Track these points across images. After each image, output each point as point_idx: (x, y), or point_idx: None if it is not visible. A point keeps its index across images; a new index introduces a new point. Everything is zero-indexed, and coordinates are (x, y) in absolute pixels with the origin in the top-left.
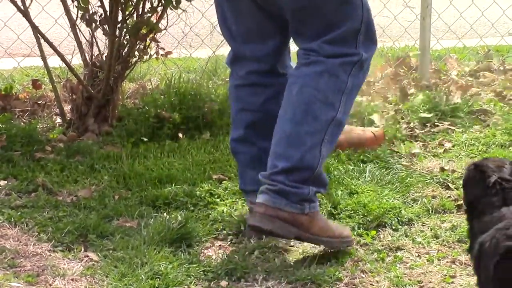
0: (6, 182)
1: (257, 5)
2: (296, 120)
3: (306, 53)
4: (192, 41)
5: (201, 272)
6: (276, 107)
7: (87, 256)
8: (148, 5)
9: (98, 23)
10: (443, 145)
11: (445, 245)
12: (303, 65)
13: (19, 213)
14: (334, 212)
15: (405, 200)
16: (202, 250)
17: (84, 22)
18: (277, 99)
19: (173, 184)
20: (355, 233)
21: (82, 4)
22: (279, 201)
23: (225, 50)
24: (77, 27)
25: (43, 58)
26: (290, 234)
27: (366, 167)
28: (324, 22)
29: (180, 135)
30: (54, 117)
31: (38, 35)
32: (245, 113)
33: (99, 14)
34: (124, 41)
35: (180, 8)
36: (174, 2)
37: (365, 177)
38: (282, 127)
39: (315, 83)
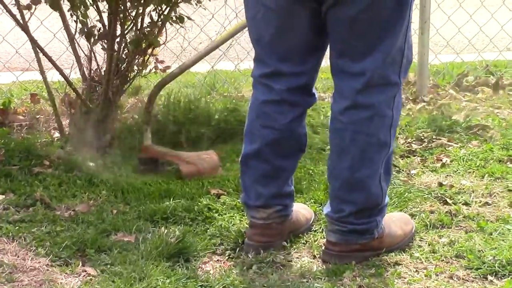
0: (4, 196)
1: (312, 21)
2: (355, 168)
3: (351, 84)
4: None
5: (199, 287)
6: (299, 128)
7: (85, 271)
8: (147, 20)
9: (96, 37)
10: (441, 160)
11: (443, 260)
12: (350, 108)
13: (17, 227)
14: None
15: None
16: (200, 265)
17: (82, 36)
18: (301, 119)
19: (171, 199)
20: None
21: (81, 18)
22: (351, 238)
23: (224, 64)
24: (75, 42)
25: (42, 72)
26: (365, 259)
27: None
28: (376, 36)
29: (178, 149)
30: (53, 131)
31: (37, 49)
32: (267, 130)
33: (97, 28)
34: (123, 56)
35: (179, 24)
36: (174, 18)
37: None
38: (341, 174)
39: (366, 128)
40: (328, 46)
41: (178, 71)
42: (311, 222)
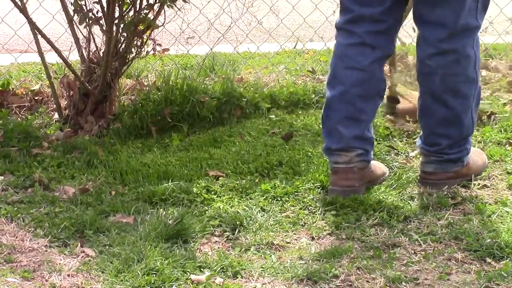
0: (2, 177)
1: None
2: (449, 106)
3: (435, 34)
4: (190, 37)
5: (197, 268)
6: (378, 72)
7: (83, 252)
8: (145, 2)
9: (92, 20)
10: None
11: (441, 242)
12: (436, 54)
13: (16, 208)
14: (331, 208)
15: (401, 198)
16: (198, 247)
17: (78, 18)
18: (381, 63)
19: (170, 181)
20: (351, 229)
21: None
22: (446, 167)
23: (222, 47)
24: (74, 23)
25: (40, 54)
26: (455, 184)
27: None
28: None
29: (177, 131)
30: (51, 113)
31: (36, 31)
32: (351, 71)
33: (95, 11)
34: (121, 38)
35: (176, 6)
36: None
37: None
38: (436, 112)
39: (454, 70)
40: None
41: None
42: (385, 176)
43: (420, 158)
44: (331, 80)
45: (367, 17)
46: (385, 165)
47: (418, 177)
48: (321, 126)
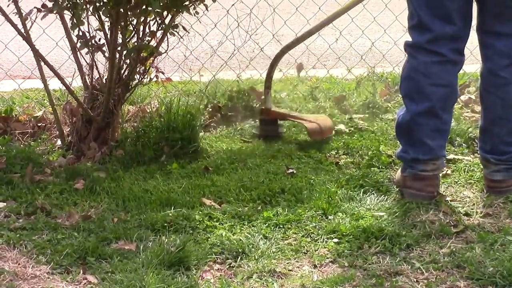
0: (5, 204)
1: None
2: None
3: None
4: (192, 65)
5: None
6: (457, 84)
7: (86, 279)
8: (147, 29)
9: (94, 47)
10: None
11: (444, 270)
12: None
13: (18, 235)
14: (333, 236)
15: (404, 225)
16: (201, 274)
17: (80, 45)
18: (457, 75)
19: (172, 207)
20: (354, 257)
21: (77, 24)
22: None
23: (224, 74)
24: (77, 50)
25: (44, 80)
26: None
27: (365, 192)
28: None
29: (179, 158)
30: (54, 139)
31: (39, 58)
32: (437, 88)
33: (98, 38)
34: (124, 65)
35: (178, 34)
36: (171, 29)
37: (364, 202)
38: (508, 122)
39: None
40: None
41: (306, 35)
42: None
43: (485, 168)
44: (415, 95)
45: (449, 36)
46: (388, 192)
47: (485, 187)
48: (397, 135)
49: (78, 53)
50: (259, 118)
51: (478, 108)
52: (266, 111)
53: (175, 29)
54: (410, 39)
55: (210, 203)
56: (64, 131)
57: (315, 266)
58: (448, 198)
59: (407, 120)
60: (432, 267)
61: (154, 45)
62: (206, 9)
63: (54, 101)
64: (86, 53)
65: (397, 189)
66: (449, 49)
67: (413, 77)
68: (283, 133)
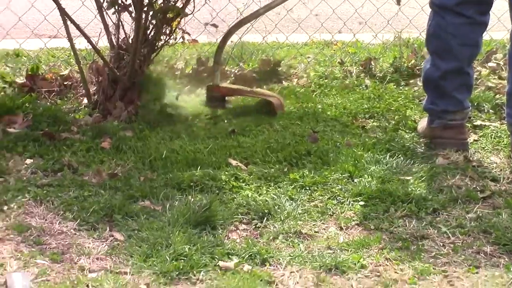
0: (32, 160)
1: None
2: None
3: None
4: (219, 27)
5: (225, 255)
6: (481, 41)
7: (112, 236)
8: None
9: (121, 7)
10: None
11: (470, 235)
12: None
13: (45, 191)
14: (359, 199)
15: (430, 190)
16: (227, 234)
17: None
18: (482, 35)
19: (199, 168)
20: (380, 220)
21: None
22: None
23: (250, 36)
24: (104, 10)
25: (70, 39)
26: None
27: (392, 156)
28: None
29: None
30: (80, 98)
31: (65, 16)
32: (466, 47)
33: None
34: (150, 25)
35: None
36: None
37: (391, 165)
38: None
39: None
40: None
41: (263, 11)
42: None
43: None
44: (444, 54)
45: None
46: (415, 157)
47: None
48: (424, 87)
49: (104, 12)
50: (207, 95)
51: (505, 74)
52: (214, 88)
53: None
54: None
55: (236, 163)
56: (90, 90)
57: (341, 228)
58: (474, 164)
59: (435, 75)
60: (458, 232)
61: (180, 6)
62: None
63: (80, 60)
64: (113, 13)
65: (423, 152)
66: (475, 11)
67: (441, 36)
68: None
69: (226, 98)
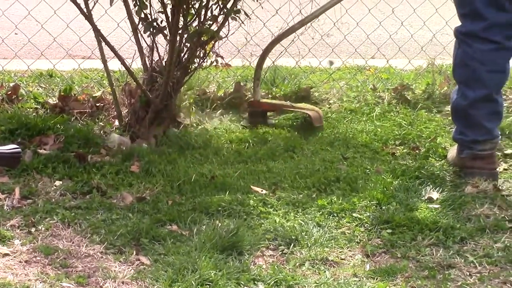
0: (61, 182)
1: None
2: None
3: None
4: (252, 51)
5: (251, 281)
6: (509, 67)
7: (138, 260)
8: (209, 13)
9: (156, 29)
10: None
11: (497, 265)
12: None
13: (73, 213)
14: (387, 226)
15: (458, 218)
16: (253, 259)
17: (143, 28)
18: (509, 60)
19: (227, 192)
20: (407, 248)
21: (141, 8)
22: None
23: (283, 61)
24: (138, 32)
25: (104, 61)
26: None
27: (421, 183)
28: None
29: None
30: (112, 120)
31: (100, 38)
32: (494, 74)
33: (159, 20)
34: (184, 48)
35: (240, 19)
36: (233, 14)
37: (419, 193)
38: None
39: None
40: None
41: (298, 26)
42: None
43: None
44: (471, 82)
45: (504, 23)
46: (443, 185)
47: None
48: (453, 117)
49: (139, 34)
50: (248, 110)
51: None
52: (255, 103)
53: (236, 14)
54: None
55: (262, 190)
56: (122, 112)
57: (367, 256)
58: (504, 193)
59: (464, 105)
60: (485, 262)
61: (215, 29)
62: None
63: (113, 82)
64: (148, 36)
65: (452, 180)
66: (503, 36)
67: (468, 64)
68: (274, 124)
69: (268, 113)
